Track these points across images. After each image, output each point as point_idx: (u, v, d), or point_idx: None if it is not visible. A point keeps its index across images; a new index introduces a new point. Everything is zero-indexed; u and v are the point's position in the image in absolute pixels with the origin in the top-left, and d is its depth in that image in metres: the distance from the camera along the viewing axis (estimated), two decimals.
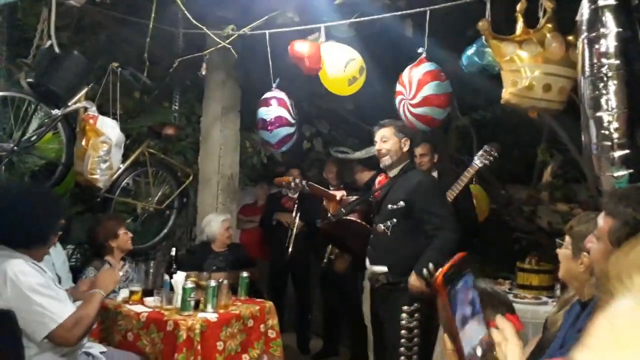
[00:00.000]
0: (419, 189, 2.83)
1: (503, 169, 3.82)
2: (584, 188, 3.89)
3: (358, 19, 3.38)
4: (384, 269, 2.87)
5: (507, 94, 2.59)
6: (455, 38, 3.38)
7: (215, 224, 3.90)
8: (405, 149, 2.98)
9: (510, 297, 3.06)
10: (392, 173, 2.98)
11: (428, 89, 3.13)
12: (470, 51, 3.12)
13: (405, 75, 3.26)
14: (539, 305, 2.85)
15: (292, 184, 3.39)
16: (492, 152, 3.35)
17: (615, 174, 2.07)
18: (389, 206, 2.88)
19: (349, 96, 4.93)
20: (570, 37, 2.57)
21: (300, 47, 3.40)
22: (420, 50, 3.21)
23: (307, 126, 5.52)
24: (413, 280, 2.72)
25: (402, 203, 2.83)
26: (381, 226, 2.89)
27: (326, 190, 3.36)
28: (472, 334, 0.67)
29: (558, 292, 2.92)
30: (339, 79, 3.40)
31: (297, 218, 4.44)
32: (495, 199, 4.18)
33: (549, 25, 2.60)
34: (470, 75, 3.28)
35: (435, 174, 3.72)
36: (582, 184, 3.99)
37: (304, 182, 3.40)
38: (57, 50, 3.26)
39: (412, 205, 2.82)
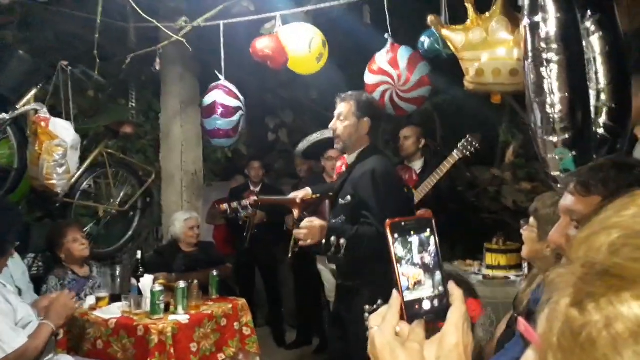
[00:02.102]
0: (363, 181, 2.41)
1: None
2: None
3: (315, 6, 3.32)
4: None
5: (466, 82, 2.67)
6: (415, 23, 3.37)
7: (178, 224, 3.80)
8: (365, 131, 2.51)
9: (480, 278, 3.11)
10: (350, 159, 2.58)
11: (420, 71, 3.15)
12: (427, 36, 3.13)
13: (381, 63, 3.19)
14: (508, 286, 2.90)
15: (240, 207, 3.15)
16: (474, 144, 3.32)
17: (559, 156, 2.12)
18: (340, 200, 2.51)
19: (313, 84, 4.90)
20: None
21: (262, 45, 3.28)
22: (386, 36, 3.19)
23: (271, 117, 5.46)
24: (317, 225, 2.33)
25: (349, 198, 2.45)
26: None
27: (281, 197, 3.10)
28: (421, 285, 0.68)
29: (526, 270, 2.98)
30: (307, 59, 3.32)
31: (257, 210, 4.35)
32: (461, 181, 4.23)
33: (497, 10, 2.64)
34: (431, 59, 3.28)
35: (421, 161, 3.70)
36: None
37: (247, 202, 3.16)
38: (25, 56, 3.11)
39: (357, 200, 2.42)
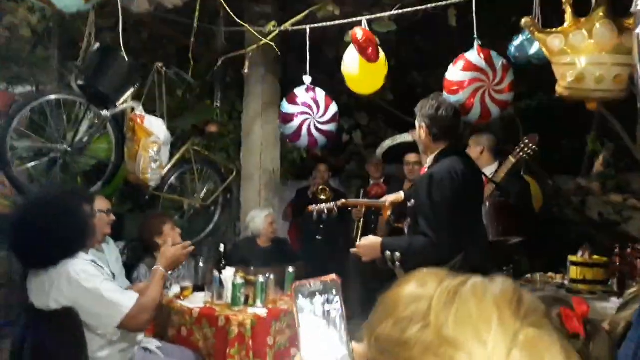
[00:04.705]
0: (420, 186, 2.39)
1: (551, 159, 3.70)
2: (638, 177, 3.75)
3: (399, 11, 3.31)
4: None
5: (559, 87, 2.53)
6: (501, 26, 3.30)
7: (259, 220, 3.94)
8: (424, 135, 2.47)
9: (563, 291, 2.99)
10: (428, 162, 2.55)
11: (511, 75, 2.98)
12: (518, 42, 3.03)
13: (477, 61, 2.95)
14: (594, 301, 2.77)
15: (325, 210, 3.15)
16: (530, 145, 3.18)
17: None
18: (408, 204, 2.52)
19: (388, 87, 4.89)
20: (628, 21, 2.46)
21: (364, 34, 3.13)
22: (475, 37, 3.06)
23: (346, 118, 5.50)
24: (369, 244, 2.47)
25: (413, 201, 2.44)
26: (405, 226, 2.59)
27: (370, 200, 3.10)
28: (326, 348, 0.68)
29: (615, 286, 2.83)
30: (381, 71, 3.32)
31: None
32: (542, 190, 4.07)
33: (600, 13, 2.50)
34: (514, 63, 3.18)
35: (492, 167, 3.53)
36: (635, 174, 3.85)
37: (334, 205, 3.15)
38: (126, 58, 3.32)
39: (416, 205, 2.42)
